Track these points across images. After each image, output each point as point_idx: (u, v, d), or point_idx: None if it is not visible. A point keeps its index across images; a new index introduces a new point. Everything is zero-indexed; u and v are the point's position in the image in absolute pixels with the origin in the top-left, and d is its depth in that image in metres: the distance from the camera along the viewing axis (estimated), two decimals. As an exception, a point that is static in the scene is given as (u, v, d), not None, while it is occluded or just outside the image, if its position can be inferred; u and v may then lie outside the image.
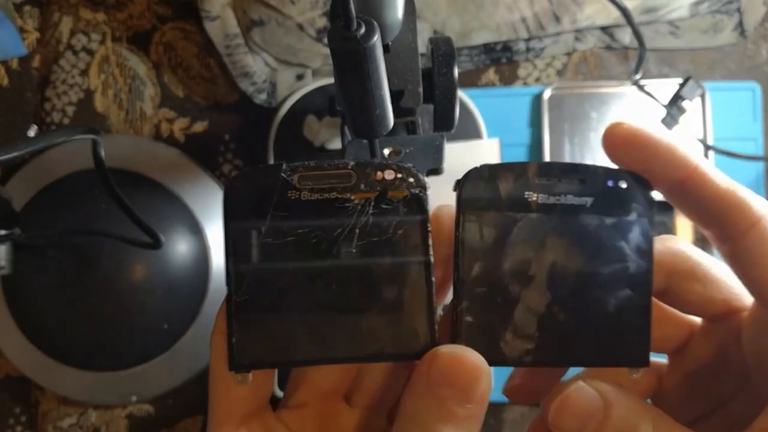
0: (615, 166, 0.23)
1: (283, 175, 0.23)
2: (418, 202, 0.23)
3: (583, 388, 0.22)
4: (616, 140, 0.23)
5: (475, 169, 0.23)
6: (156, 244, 0.47)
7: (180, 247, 0.53)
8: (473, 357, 0.22)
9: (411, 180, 0.23)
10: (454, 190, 0.23)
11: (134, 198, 0.46)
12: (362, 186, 0.22)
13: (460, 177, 0.23)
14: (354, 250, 0.22)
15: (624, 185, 0.23)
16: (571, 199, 0.23)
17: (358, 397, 0.27)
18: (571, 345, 0.23)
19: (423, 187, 0.23)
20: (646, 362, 0.23)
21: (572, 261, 0.23)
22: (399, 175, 0.23)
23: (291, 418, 0.26)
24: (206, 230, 0.54)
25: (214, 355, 0.24)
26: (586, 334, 0.23)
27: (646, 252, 0.23)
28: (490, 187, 0.23)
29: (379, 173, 0.22)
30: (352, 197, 0.22)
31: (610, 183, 0.23)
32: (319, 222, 0.22)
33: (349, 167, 0.23)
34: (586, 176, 0.23)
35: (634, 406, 0.22)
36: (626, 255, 0.23)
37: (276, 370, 0.26)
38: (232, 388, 0.24)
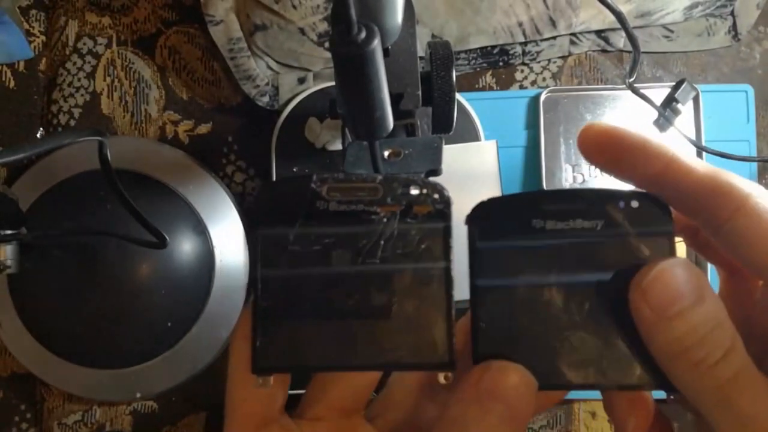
0: (625, 187, 0.23)
1: (312, 186, 0.23)
2: (441, 218, 0.23)
3: (687, 265, 0.21)
4: (589, 141, 0.23)
5: (482, 202, 0.24)
6: (161, 243, 0.47)
7: (184, 246, 0.53)
8: (523, 374, 0.22)
9: (436, 196, 0.23)
10: (466, 224, 0.24)
11: (139, 198, 0.46)
12: (388, 200, 0.23)
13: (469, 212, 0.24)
14: (378, 261, 0.23)
15: (635, 204, 0.23)
16: (580, 224, 0.23)
17: (381, 417, 0.27)
18: (588, 368, 0.23)
19: (447, 204, 0.23)
20: (671, 387, 0.22)
21: (588, 284, 0.23)
22: (424, 191, 0.23)
23: (308, 429, 0.26)
24: (210, 230, 0.54)
25: (235, 359, 0.24)
26: (607, 357, 0.23)
27: None
28: (498, 217, 0.24)
29: (405, 188, 0.23)
30: (378, 210, 0.23)
31: (620, 204, 0.23)
32: (346, 232, 0.23)
33: (377, 181, 0.23)
34: (593, 199, 0.23)
35: (723, 313, 0.21)
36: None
37: (290, 376, 0.26)
38: (251, 392, 0.24)
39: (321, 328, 0.23)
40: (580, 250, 0.23)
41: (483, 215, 0.24)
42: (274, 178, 0.54)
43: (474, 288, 0.24)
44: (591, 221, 0.23)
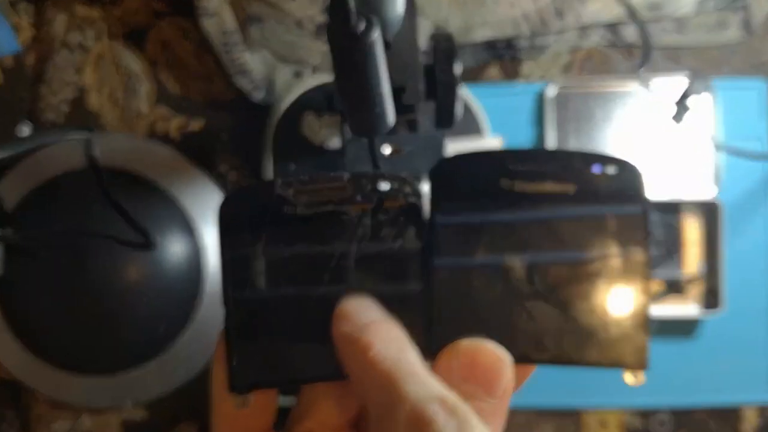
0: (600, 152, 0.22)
1: (278, 191, 0.23)
2: (414, 211, 0.23)
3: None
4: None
5: (448, 158, 0.23)
6: (148, 244, 0.46)
7: (174, 248, 0.52)
8: (495, 350, 0.21)
9: (407, 189, 0.23)
10: (428, 178, 0.23)
11: (128, 198, 0.46)
12: (358, 198, 0.23)
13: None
14: (353, 263, 0.23)
15: (612, 171, 0.22)
16: (551, 187, 0.22)
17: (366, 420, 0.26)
18: (554, 342, 0.22)
19: (418, 196, 0.23)
20: (643, 364, 0.22)
21: (556, 252, 0.22)
22: (395, 185, 0.23)
23: None
24: (202, 231, 0.53)
25: (216, 380, 0.24)
26: (573, 331, 0.22)
27: (640, 241, 0.22)
28: (463, 175, 0.23)
29: (374, 184, 0.23)
30: (349, 209, 0.23)
31: (596, 169, 0.22)
32: (317, 236, 0.22)
33: (345, 179, 0.23)
34: (568, 162, 0.22)
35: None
36: (617, 245, 0.22)
37: (277, 392, 0.26)
38: (235, 410, 0.24)
39: (298, 339, 0.23)
40: (549, 215, 0.22)
41: (447, 171, 0.23)
42: (272, 177, 0.53)
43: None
44: (563, 185, 0.22)
